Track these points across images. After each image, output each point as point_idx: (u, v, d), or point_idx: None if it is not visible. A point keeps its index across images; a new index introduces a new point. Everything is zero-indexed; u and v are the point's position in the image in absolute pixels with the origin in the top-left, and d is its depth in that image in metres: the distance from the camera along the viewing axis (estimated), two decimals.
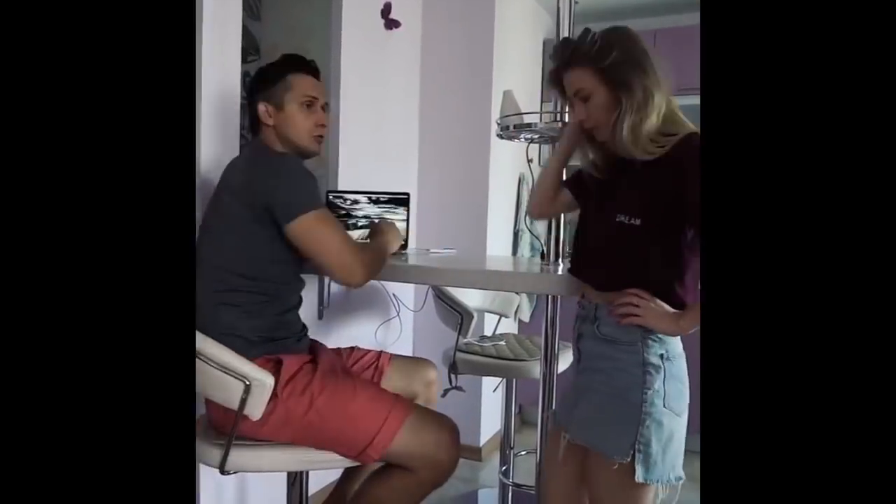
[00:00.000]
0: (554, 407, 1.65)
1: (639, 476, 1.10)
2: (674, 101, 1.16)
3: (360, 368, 1.61)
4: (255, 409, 1.26)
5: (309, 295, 2.08)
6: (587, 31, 1.16)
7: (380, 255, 1.48)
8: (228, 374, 1.24)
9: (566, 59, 1.17)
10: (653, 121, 1.11)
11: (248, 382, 1.24)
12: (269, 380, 1.26)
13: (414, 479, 1.37)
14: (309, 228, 1.31)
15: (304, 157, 1.50)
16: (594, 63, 1.13)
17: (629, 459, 1.10)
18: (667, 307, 1.13)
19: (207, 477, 1.74)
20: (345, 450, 1.33)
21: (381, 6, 2.50)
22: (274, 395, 1.29)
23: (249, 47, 2.40)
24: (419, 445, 1.36)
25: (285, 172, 1.32)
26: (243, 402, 1.24)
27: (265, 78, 1.49)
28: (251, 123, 1.51)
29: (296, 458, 1.33)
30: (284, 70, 1.48)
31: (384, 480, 1.39)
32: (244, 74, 2.13)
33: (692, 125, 1.13)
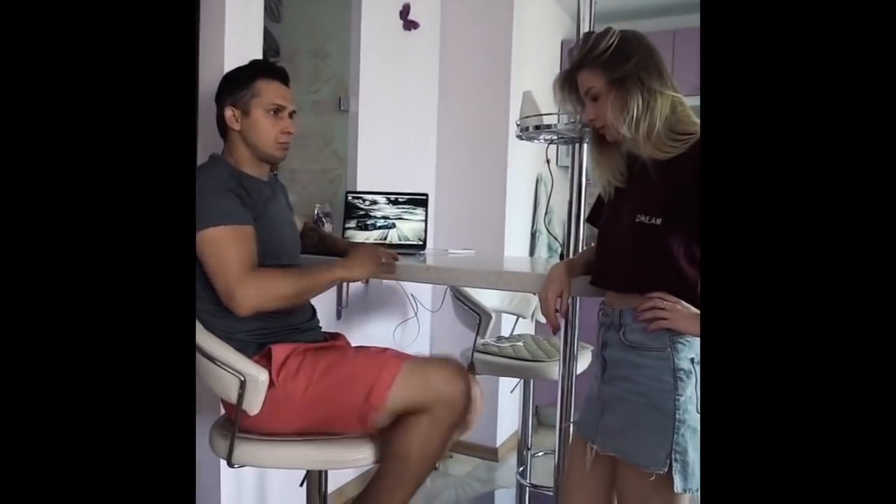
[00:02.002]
0: (574, 414, 1.64)
1: (677, 487, 1.07)
2: (685, 102, 1.17)
3: None
4: (252, 404, 1.28)
5: (328, 296, 2.10)
6: (609, 29, 1.17)
7: (298, 286, 1.36)
8: (225, 369, 1.27)
9: (580, 59, 1.19)
10: (660, 122, 1.12)
11: (242, 378, 1.26)
12: (262, 375, 1.28)
13: (428, 417, 1.30)
14: (203, 244, 1.28)
15: (268, 163, 1.49)
16: (604, 66, 1.15)
17: (666, 470, 1.08)
18: (693, 308, 1.11)
19: (228, 474, 1.77)
20: (349, 413, 1.30)
21: (400, 7, 2.51)
22: (272, 384, 1.30)
23: (270, 49, 2.42)
24: (422, 384, 1.31)
25: (198, 186, 1.29)
26: (240, 397, 1.27)
27: (233, 82, 1.45)
28: (218, 127, 1.49)
29: (296, 455, 1.31)
30: (253, 75, 1.44)
31: (400, 430, 1.33)
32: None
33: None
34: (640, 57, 1.14)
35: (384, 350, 1.45)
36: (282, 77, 1.48)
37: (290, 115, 1.48)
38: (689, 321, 1.10)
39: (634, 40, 1.16)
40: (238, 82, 1.44)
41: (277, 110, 1.44)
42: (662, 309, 1.11)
